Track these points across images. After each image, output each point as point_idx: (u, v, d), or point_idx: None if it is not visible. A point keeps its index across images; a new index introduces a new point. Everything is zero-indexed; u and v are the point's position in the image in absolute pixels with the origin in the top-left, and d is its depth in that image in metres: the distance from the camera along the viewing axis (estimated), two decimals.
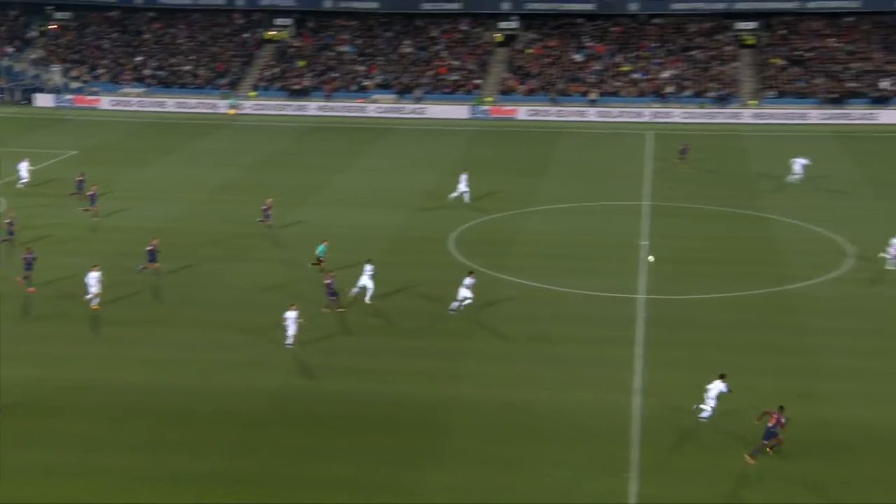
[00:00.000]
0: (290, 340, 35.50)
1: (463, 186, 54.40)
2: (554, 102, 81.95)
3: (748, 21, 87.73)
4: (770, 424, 28.12)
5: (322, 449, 29.23)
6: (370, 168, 64.02)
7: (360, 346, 36.31)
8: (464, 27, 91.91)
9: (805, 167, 57.66)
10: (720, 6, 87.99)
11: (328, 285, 38.84)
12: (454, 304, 38.68)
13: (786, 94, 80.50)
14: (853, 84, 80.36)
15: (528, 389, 32.87)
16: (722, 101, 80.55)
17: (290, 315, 35.52)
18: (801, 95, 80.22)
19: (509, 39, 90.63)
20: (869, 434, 29.45)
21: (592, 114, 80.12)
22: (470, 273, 39.28)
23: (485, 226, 51.09)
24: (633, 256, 45.61)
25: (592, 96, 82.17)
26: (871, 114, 77.08)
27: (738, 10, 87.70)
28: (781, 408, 28.35)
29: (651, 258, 42.89)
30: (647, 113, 79.36)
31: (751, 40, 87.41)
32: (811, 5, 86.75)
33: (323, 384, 33.35)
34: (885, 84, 79.57)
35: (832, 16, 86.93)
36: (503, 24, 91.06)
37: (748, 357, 34.87)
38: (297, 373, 34.14)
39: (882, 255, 43.53)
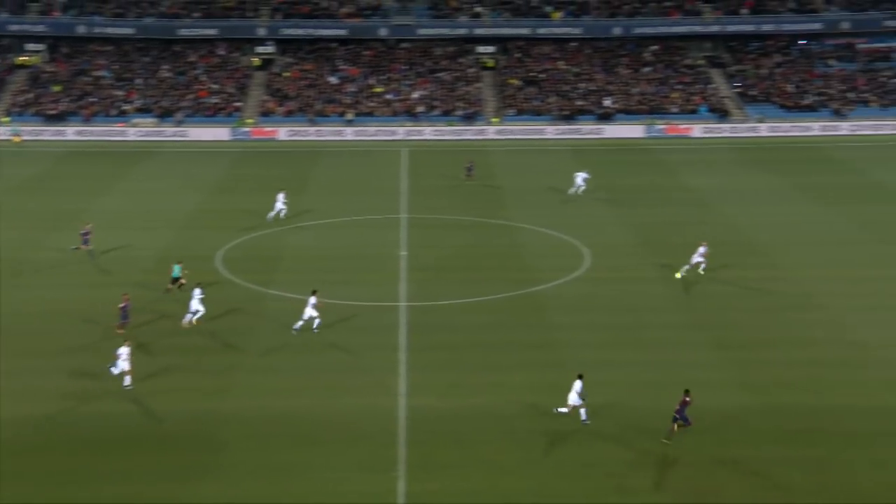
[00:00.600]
0: (126, 381, 32.77)
1: (280, 205, 53.46)
2: (312, 123, 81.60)
3: (487, 45, 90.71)
4: (677, 407, 29.27)
5: (95, 471, 27.69)
6: (133, 191, 61.50)
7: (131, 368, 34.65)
8: (221, 52, 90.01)
9: (586, 180, 59.44)
10: (462, 31, 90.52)
11: (123, 308, 37.04)
12: (297, 324, 37.55)
13: (524, 112, 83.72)
14: (581, 102, 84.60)
15: (298, 399, 32.44)
16: (468, 119, 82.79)
17: (123, 351, 32.83)
18: (537, 113, 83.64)
19: (267, 63, 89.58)
20: (617, 420, 30.86)
21: (350, 133, 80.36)
22: (314, 292, 38.10)
23: (251, 243, 50.11)
24: (394, 266, 46.00)
25: (349, 116, 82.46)
26: (598, 129, 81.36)
27: (478, 35, 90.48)
28: (687, 391, 29.42)
29: (678, 275, 42.33)
30: (401, 131, 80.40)
31: (490, 63, 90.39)
32: (541, 31, 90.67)
33: (95, 407, 31.61)
34: (607, 102, 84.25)
35: (559, 41, 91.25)
36: (260, 49, 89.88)
37: (503, 355, 35.87)
38: (68, 398, 32.16)
39: (686, 268, 44.10)
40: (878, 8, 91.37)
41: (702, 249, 43.90)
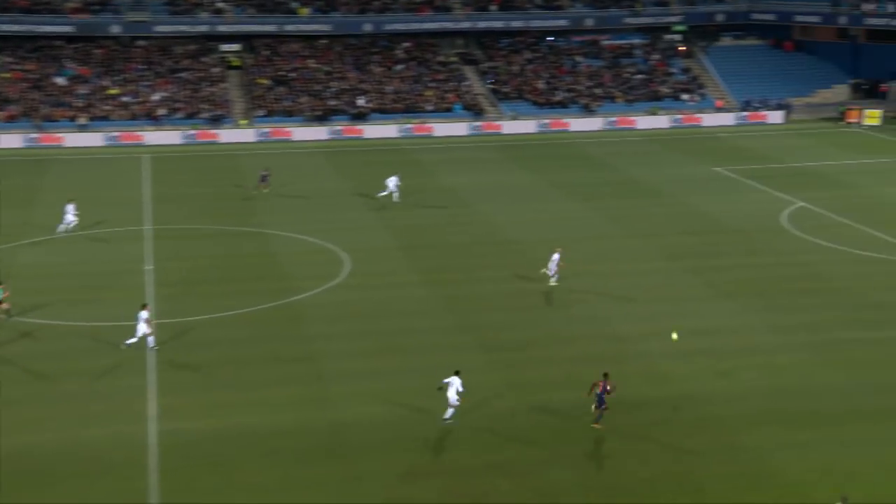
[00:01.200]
0: None
1: (70, 216, 51.08)
2: (39, 129, 77.12)
3: (232, 43, 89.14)
4: (598, 391, 30.63)
5: None
6: None
7: None
8: None
9: (398, 185, 58.85)
10: (203, 28, 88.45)
11: None
12: (130, 340, 36.13)
13: (274, 113, 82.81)
14: (334, 102, 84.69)
15: (34, 433, 30.48)
16: (215, 121, 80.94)
17: None
18: (288, 114, 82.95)
19: None
20: (386, 430, 31.00)
21: (83, 139, 76.56)
22: (143, 306, 36.50)
23: None
24: (138, 282, 44.23)
25: (82, 121, 78.57)
26: (352, 129, 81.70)
27: (221, 32, 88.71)
28: (605, 375, 30.83)
29: (675, 335, 35.80)
30: (142, 136, 77.50)
31: (236, 62, 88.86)
32: (288, 28, 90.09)
33: None
34: (361, 102, 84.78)
35: (308, 38, 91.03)
36: None
37: (261, 371, 35.24)
38: None
39: (544, 270, 44.08)
40: (619, 6, 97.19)
41: (555, 257, 43.89)
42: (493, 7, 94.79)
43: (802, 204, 58.49)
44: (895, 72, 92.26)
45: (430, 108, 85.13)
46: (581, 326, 39.72)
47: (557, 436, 30.82)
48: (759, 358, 36.60)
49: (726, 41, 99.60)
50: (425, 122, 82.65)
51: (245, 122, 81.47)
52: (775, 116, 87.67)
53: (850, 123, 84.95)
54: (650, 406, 32.80)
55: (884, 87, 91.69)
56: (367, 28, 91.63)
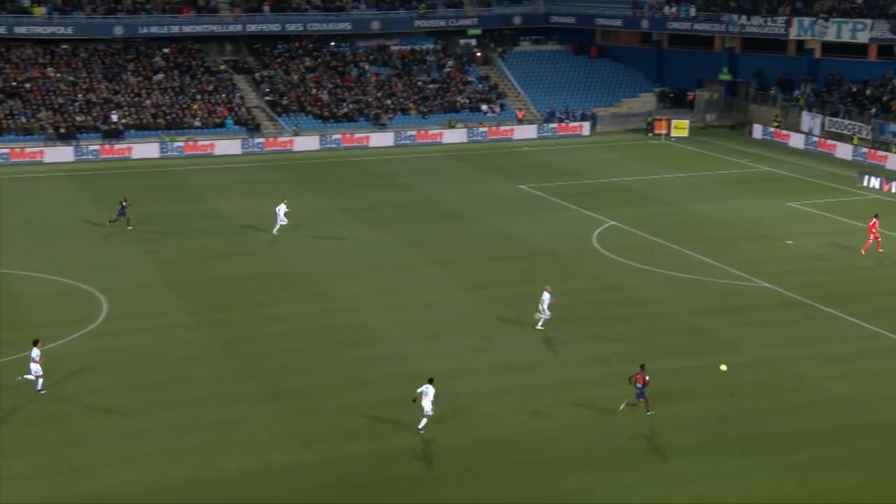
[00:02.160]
0: None
1: None
2: None
3: None
4: (639, 385, 34.51)
5: None
6: None
7: None
8: None
9: (287, 213, 57.56)
10: None
11: None
12: (27, 376, 36.45)
13: (7, 131, 79.42)
14: (81, 118, 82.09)
15: None
16: None
17: None
18: (25, 132, 79.77)
19: None
20: (160, 498, 30.08)
21: None
22: (35, 342, 36.53)
23: None
24: None
25: None
26: (106, 148, 79.29)
27: None
28: (642, 366, 34.77)
29: (724, 367, 37.08)
30: None
31: None
32: (20, 30, 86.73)
33: None
34: (114, 117, 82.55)
35: (46, 42, 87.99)
36: None
37: None
38: None
39: (538, 315, 43.34)
40: (407, 7, 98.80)
41: (547, 297, 43.19)
42: (266, 8, 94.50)
43: (613, 223, 60.98)
44: (701, 79, 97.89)
45: (197, 123, 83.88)
46: (379, 367, 39.88)
47: (356, 490, 30.79)
48: (575, 394, 37.71)
49: (526, 46, 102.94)
50: (195, 140, 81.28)
51: None
52: (580, 128, 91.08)
53: (658, 135, 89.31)
54: (456, 453, 33.19)
55: (690, 95, 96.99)
56: (119, 31, 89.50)
